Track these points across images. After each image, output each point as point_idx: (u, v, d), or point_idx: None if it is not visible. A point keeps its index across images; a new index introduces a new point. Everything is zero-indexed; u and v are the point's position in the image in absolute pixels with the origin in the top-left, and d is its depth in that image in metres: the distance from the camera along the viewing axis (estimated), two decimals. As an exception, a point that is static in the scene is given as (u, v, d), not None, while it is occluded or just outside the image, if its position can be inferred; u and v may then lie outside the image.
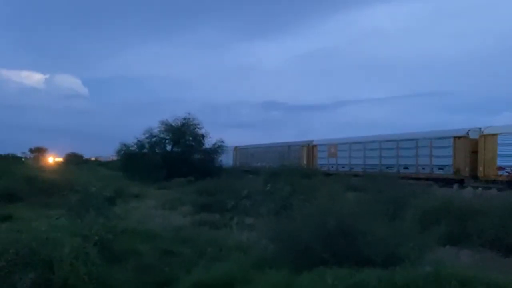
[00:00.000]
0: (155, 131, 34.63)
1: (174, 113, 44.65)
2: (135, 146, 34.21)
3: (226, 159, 39.49)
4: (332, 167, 32.39)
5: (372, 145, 29.60)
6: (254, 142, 46.98)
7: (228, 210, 11.93)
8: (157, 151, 34.48)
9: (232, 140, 44.43)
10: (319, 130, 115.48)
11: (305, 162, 34.53)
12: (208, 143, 34.87)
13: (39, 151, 60.81)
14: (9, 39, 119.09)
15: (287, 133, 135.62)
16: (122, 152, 34.51)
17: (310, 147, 35.59)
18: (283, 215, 7.65)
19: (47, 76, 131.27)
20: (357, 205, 7.65)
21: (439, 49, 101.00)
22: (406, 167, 26.76)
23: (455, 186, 22.16)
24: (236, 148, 45.24)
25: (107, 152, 60.44)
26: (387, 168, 27.36)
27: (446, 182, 23.26)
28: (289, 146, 38.34)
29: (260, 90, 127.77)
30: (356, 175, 26.10)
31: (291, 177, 16.06)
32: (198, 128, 34.76)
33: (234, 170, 33.22)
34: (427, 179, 23.75)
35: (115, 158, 43.01)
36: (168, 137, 34.99)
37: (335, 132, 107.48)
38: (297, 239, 6.10)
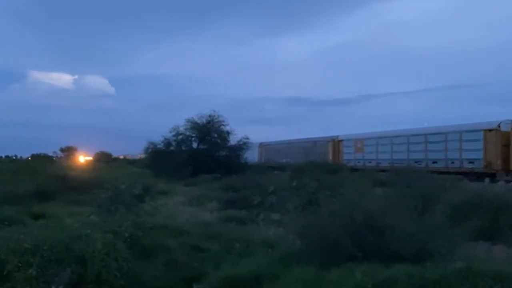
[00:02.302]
0: (181, 129, 35.10)
1: (199, 110, 45.20)
2: (162, 144, 34.69)
3: (251, 156, 39.59)
4: (359, 162, 32.02)
5: (399, 140, 29.11)
6: (279, 138, 46.93)
7: (255, 206, 11.95)
8: (184, 148, 34.89)
9: (257, 137, 44.51)
10: (345, 125, 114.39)
11: (331, 158, 34.27)
12: (233, 139, 35.08)
13: (69, 150, 62.56)
14: (40, 42, 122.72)
15: (313, 129, 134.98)
16: (150, 150, 35.07)
17: (336, 142, 35.28)
18: (310, 211, 7.62)
19: (75, 76, 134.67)
20: (385, 200, 7.54)
21: (469, 39, 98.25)
22: (435, 162, 26.21)
23: (487, 180, 21.56)
24: (261, 144, 45.29)
25: (135, 150, 61.52)
26: (415, 162, 26.86)
27: (477, 176, 22.66)
28: (314, 141, 38.11)
29: (284, 85, 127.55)
30: (383, 171, 25.72)
31: (317, 172, 15.95)
32: (223, 125, 35.03)
33: (260, 167, 33.26)
34: (457, 173, 23.20)
35: (143, 156, 43.73)
36: (194, 135, 35.40)
37: (361, 127, 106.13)
38: (325, 234, 6.06)
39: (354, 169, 26.18)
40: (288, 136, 46.80)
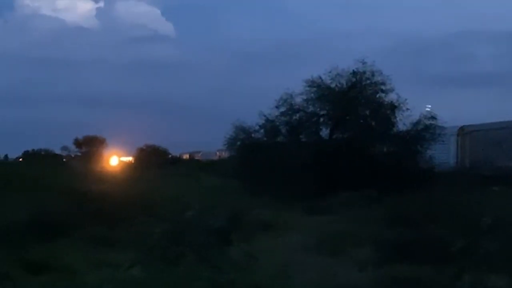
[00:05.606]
0: (299, 100, 35.63)
1: (334, 63, 44.92)
2: (262, 130, 35.66)
3: (443, 153, 38.94)
4: None
5: None
6: (501, 117, 45.33)
7: (453, 258, 11.75)
8: (303, 139, 35.49)
9: (453, 115, 43.34)
10: None
11: None
12: (405, 121, 34.73)
13: (91, 144, 66.53)
14: None
15: None
16: (239, 143, 36.04)
17: None
18: None
19: (100, 4, 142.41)
20: None
21: None
22: None
23: None
24: (462, 129, 44.29)
25: (212, 143, 63.83)
26: None
27: None
28: None
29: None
30: None
31: None
32: (383, 91, 34.82)
33: (461, 175, 32.52)
34: None
35: (225, 154, 45.18)
36: (323, 112, 35.68)
37: None
38: None
39: None
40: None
